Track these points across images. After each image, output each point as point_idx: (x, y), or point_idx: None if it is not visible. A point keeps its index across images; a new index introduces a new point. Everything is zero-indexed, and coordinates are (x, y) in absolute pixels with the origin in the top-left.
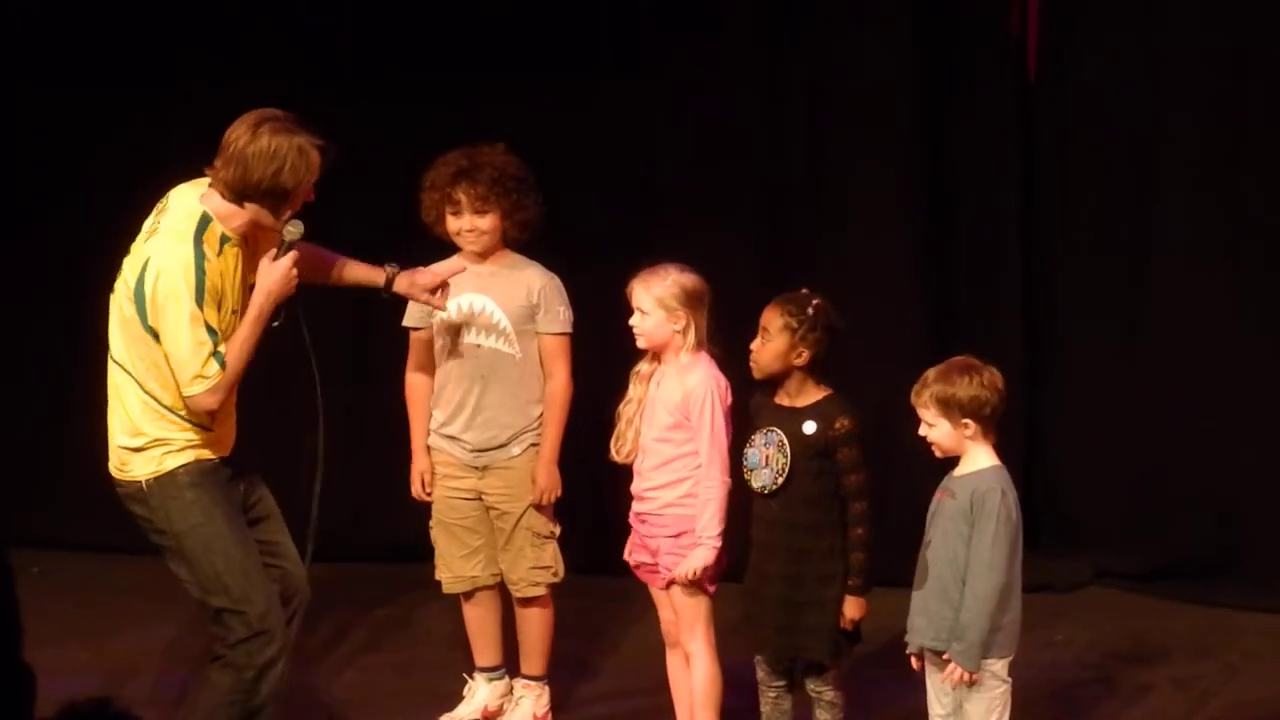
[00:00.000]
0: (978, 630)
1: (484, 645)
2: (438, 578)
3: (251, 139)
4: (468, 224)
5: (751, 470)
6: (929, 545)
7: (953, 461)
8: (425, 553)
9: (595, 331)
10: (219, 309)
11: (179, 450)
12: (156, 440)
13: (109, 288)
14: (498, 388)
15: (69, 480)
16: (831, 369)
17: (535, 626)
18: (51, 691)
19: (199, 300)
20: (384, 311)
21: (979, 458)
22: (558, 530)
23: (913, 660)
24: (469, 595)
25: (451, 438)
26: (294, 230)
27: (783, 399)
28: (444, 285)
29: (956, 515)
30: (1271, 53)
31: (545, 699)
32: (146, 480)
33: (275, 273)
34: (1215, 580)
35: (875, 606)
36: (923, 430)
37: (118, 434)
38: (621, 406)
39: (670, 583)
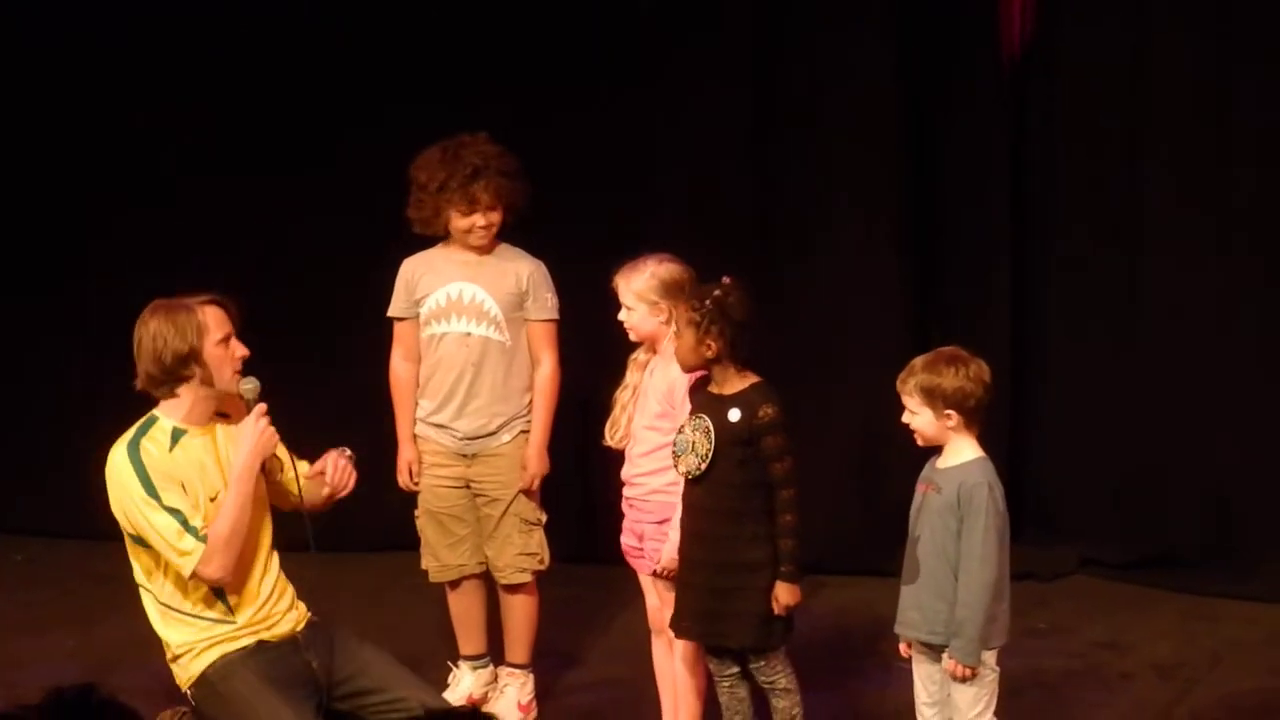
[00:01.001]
0: (975, 625)
1: (469, 633)
2: (424, 566)
3: (138, 334)
4: (482, 221)
5: (679, 456)
6: (918, 541)
7: (933, 450)
8: (409, 542)
9: (588, 324)
10: (185, 493)
11: (202, 652)
12: (183, 646)
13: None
14: (489, 375)
15: (52, 468)
16: (816, 361)
17: (521, 614)
18: (35, 678)
19: (149, 490)
20: (362, 300)
21: (963, 449)
22: (544, 518)
23: (903, 648)
24: (455, 584)
25: (440, 426)
26: (248, 387)
27: (713, 388)
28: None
29: (944, 510)
30: (1261, 40)
31: (530, 687)
32: (188, 689)
33: (245, 433)
34: (1199, 569)
35: (860, 595)
36: (906, 418)
37: (165, 649)
38: (617, 392)
39: (655, 571)
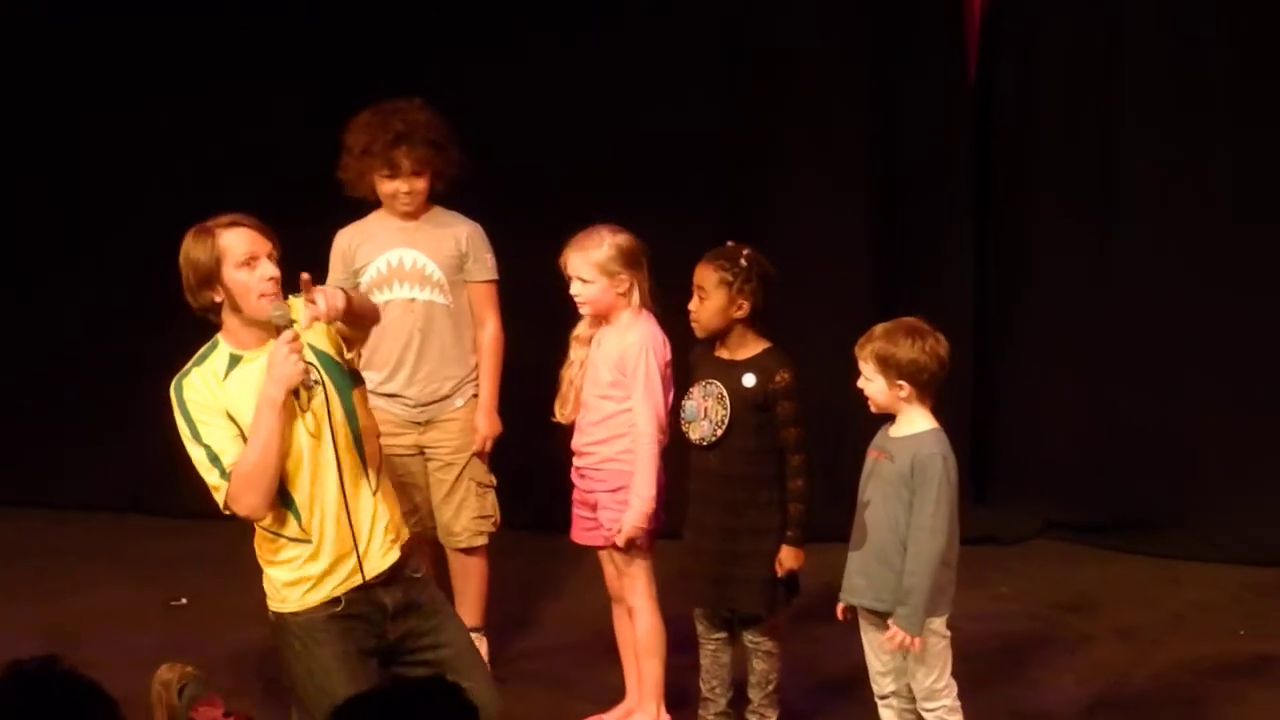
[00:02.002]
0: (922, 595)
1: None
2: None
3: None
4: (405, 186)
5: (689, 423)
6: (867, 506)
7: (887, 417)
8: None
9: (538, 290)
10: (232, 422)
11: (286, 588)
12: (275, 565)
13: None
14: (436, 339)
15: (9, 436)
16: (778, 328)
17: (475, 577)
18: None
19: (189, 424)
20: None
21: (916, 419)
22: (495, 481)
23: (840, 610)
24: None
25: (391, 395)
26: (276, 313)
27: (722, 352)
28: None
29: (896, 480)
30: (1230, 23)
31: (484, 649)
32: (271, 616)
33: (272, 360)
34: (1160, 532)
35: (821, 561)
36: (861, 383)
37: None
38: (563, 370)
39: (611, 543)
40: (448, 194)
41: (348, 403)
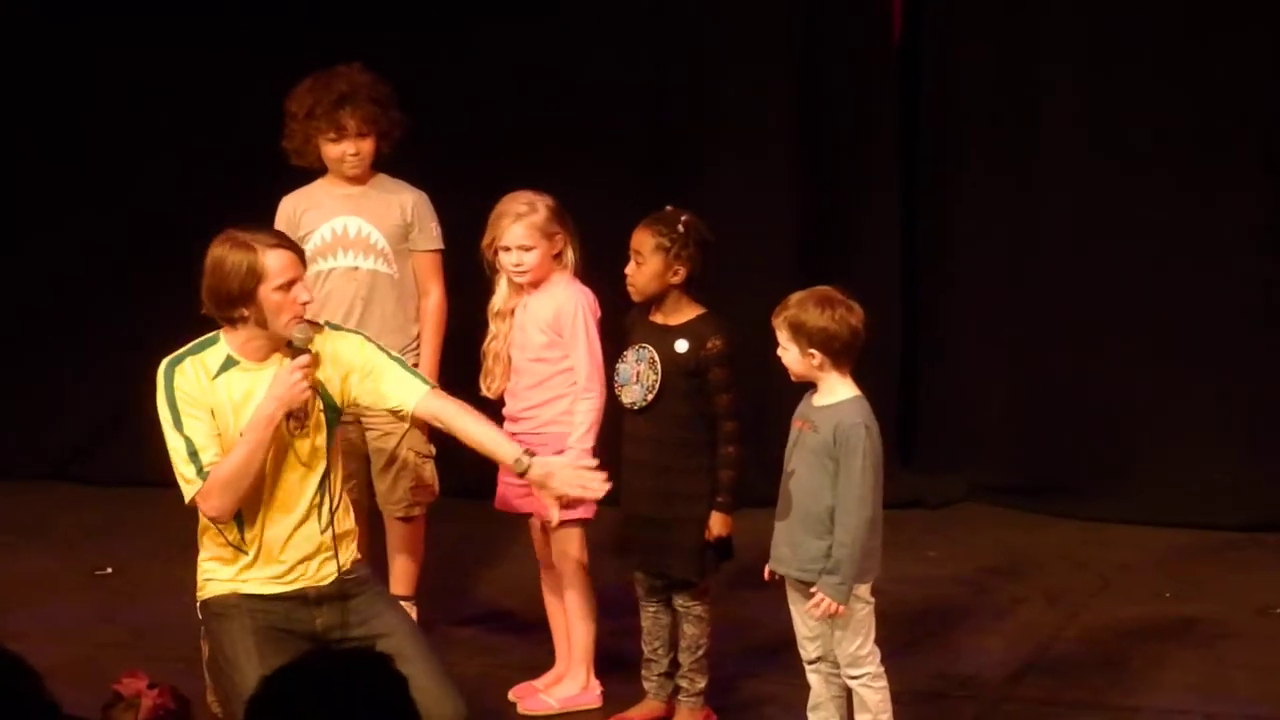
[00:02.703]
0: (851, 564)
1: None
2: None
3: (206, 259)
4: (351, 149)
5: (622, 386)
6: (792, 476)
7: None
8: None
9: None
10: (213, 419)
11: (213, 582)
12: (210, 558)
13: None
14: (377, 308)
15: None
16: (705, 293)
17: (411, 546)
18: None
19: (172, 411)
20: None
21: (837, 388)
22: (433, 450)
23: (767, 573)
24: None
25: None
26: (300, 336)
27: (657, 317)
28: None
29: (820, 450)
30: None
31: (414, 616)
32: (198, 606)
33: (279, 378)
34: (1086, 495)
35: (751, 527)
36: (779, 351)
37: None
38: (486, 344)
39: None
40: (391, 159)
41: (330, 441)
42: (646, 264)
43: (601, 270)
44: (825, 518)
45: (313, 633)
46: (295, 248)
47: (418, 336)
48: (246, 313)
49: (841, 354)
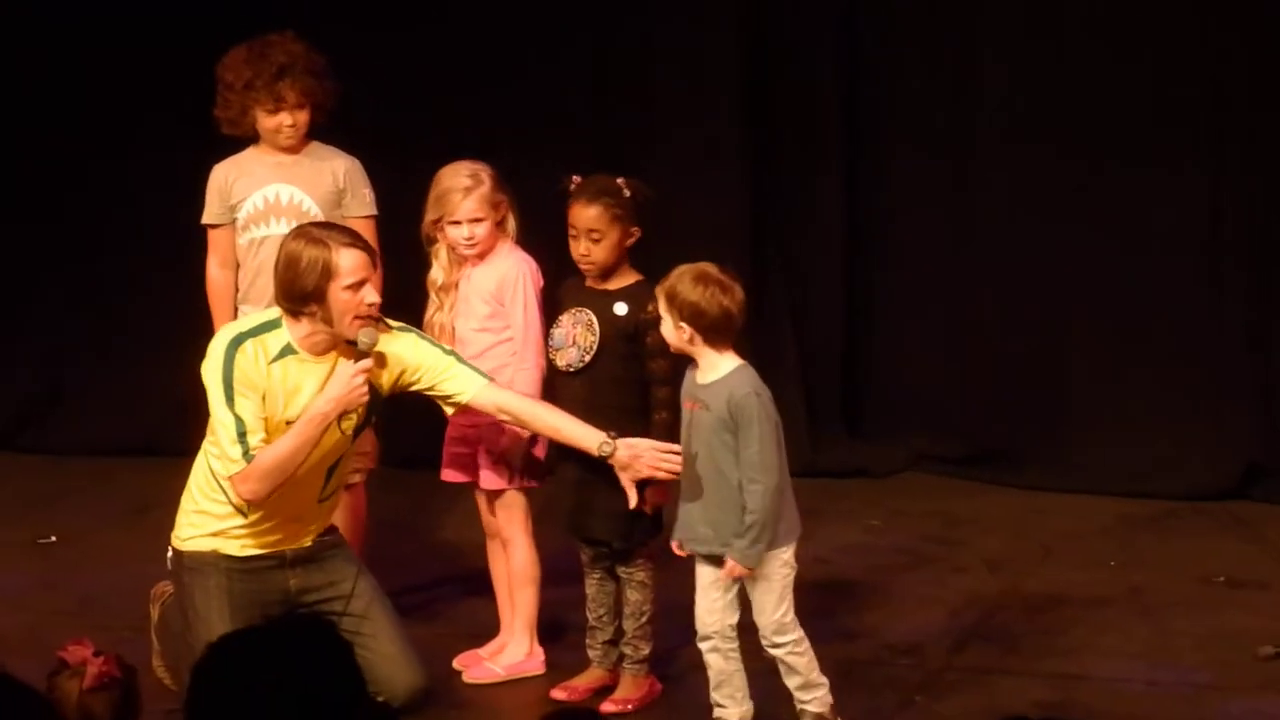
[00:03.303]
0: (766, 530)
1: None
2: None
3: (280, 251)
4: (289, 119)
5: (556, 350)
6: (696, 458)
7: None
8: None
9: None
10: (264, 404)
11: (195, 538)
12: (199, 512)
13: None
14: None
15: None
16: (650, 264)
17: (353, 514)
18: None
19: (226, 388)
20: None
21: (717, 363)
22: (374, 416)
23: (674, 546)
24: None
25: None
26: (365, 340)
27: (595, 282)
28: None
29: (717, 427)
30: None
31: None
32: (169, 556)
33: (339, 379)
34: (1029, 464)
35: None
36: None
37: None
38: (430, 316)
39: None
40: (330, 130)
41: (357, 432)
42: (606, 238)
43: (544, 242)
44: (736, 493)
45: (286, 593)
46: (368, 248)
47: None
48: (315, 309)
49: (712, 331)
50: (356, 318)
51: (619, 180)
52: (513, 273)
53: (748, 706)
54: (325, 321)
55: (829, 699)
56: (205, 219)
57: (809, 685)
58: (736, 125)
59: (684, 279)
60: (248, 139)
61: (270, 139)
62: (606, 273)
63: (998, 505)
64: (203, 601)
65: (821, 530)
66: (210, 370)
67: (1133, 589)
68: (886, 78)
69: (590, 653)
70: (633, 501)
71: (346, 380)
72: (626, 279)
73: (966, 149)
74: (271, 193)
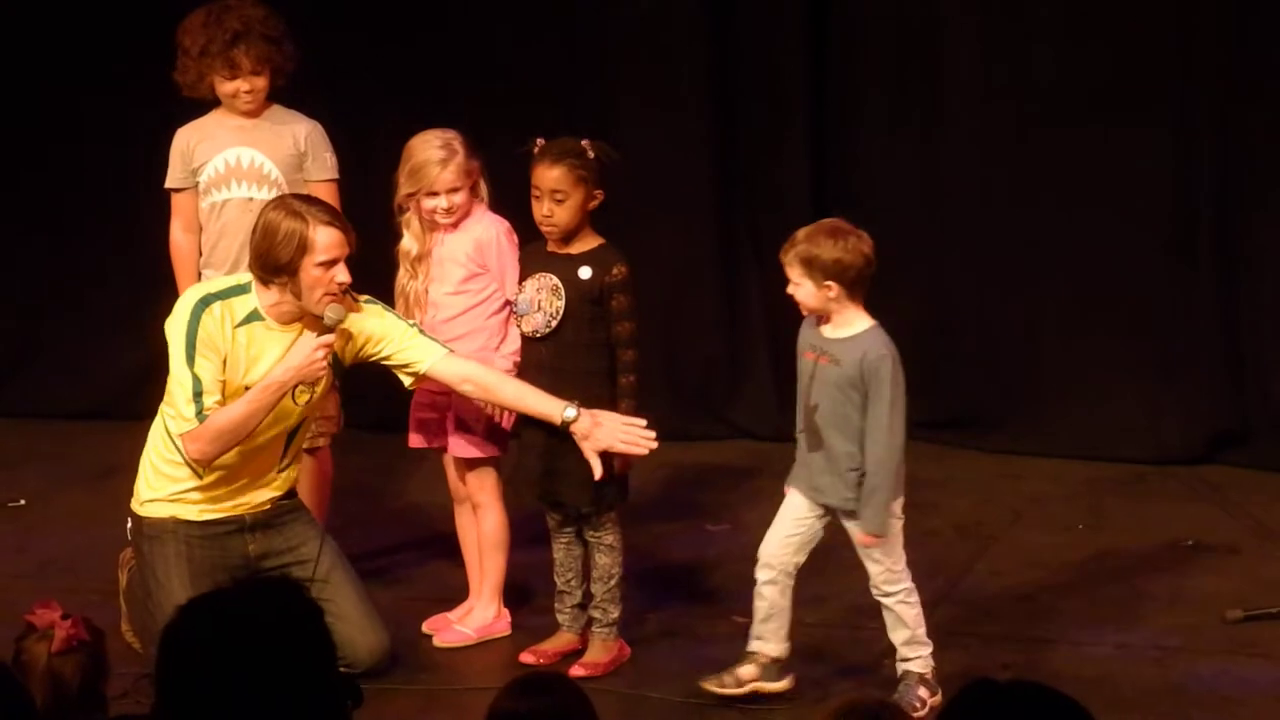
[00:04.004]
0: (886, 492)
1: None
2: None
3: (259, 219)
4: (245, 85)
5: (522, 316)
6: (816, 410)
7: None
8: None
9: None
10: (224, 368)
11: (154, 502)
12: (157, 473)
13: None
14: None
15: None
16: (618, 227)
17: (317, 478)
18: None
19: (189, 347)
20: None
21: (853, 320)
22: (338, 382)
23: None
24: None
25: None
26: (332, 316)
27: (558, 247)
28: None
29: (844, 384)
30: None
31: None
32: (129, 524)
33: (300, 350)
34: (998, 428)
35: (654, 458)
36: (790, 289)
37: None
38: (404, 284)
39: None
40: (293, 94)
41: (315, 397)
42: (570, 199)
43: (509, 207)
44: (853, 449)
45: (246, 558)
46: (346, 228)
47: None
48: (286, 280)
49: (856, 283)
50: (326, 294)
51: (584, 142)
52: (489, 234)
53: (786, 647)
54: (294, 294)
55: (931, 662)
56: (168, 183)
57: (915, 641)
58: (702, 84)
59: (817, 239)
60: (208, 102)
61: (229, 104)
62: (569, 235)
63: (967, 469)
64: (163, 570)
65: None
66: (174, 327)
67: (1102, 552)
68: (852, 38)
69: (559, 617)
70: (597, 472)
71: (308, 353)
72: (589, 242)
73: (934, 111)
74: (233, 156)
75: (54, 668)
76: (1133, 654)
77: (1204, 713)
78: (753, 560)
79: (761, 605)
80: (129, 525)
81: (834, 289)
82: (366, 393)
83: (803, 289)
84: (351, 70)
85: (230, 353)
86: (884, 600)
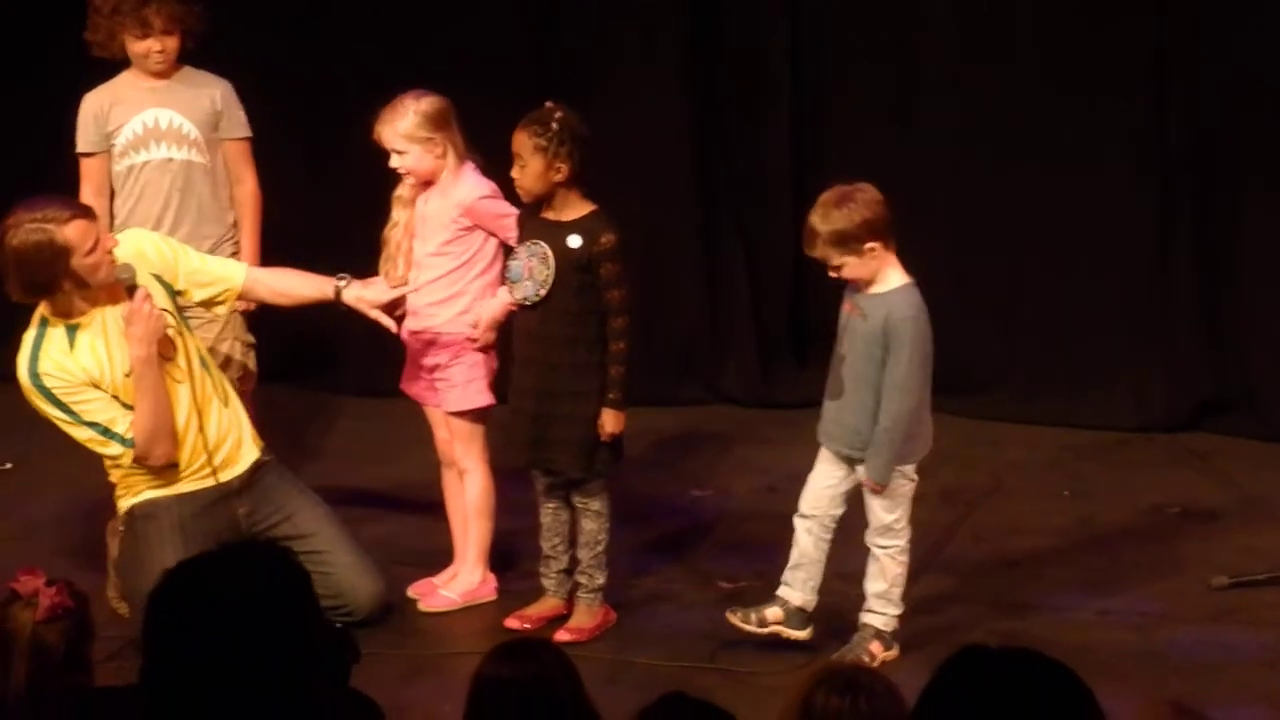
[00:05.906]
0: (891, 448)
1: None
2: None
3: (3, 255)
4: (157, 45)
5: (513, 283)
6: (843, 360)
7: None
8: None
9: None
10: (99, 390)
11: (136, 490)
12: (132, 477)
13: None
14: (194, 199)
15: None
16: (599, 199)
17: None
18: None
19: (65, 410)
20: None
21: (890, 276)
22: (253, 339)
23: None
24: None
25: None
26: (125, 275)
27: (548, 214)
28: (395, 305)
29: (869, 338)
30: None
31: None
32: (121, 525)
33: (134, 320)
34: (979, 394)
35: (642, 424)
36: (833, 274)
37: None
38: (387, 231)
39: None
40: (197, 52)
41: (189, 342)
42: (529, 165)
43: (496, 175)
44: (869, 402)
45: (237, 525)
46: (85, 211)
47: (235, 225)
48: (66, 285)
49: (888, 230)
50: (106, 265)
51: (558, 114)
52: (470, 196)
53: (812, 600)
54: (79, 286)
55: (895, 624)
56: (80, 148)
57: (886, 598)
58: (684, 54)
59: (832, 216)
60: (115, 62)
61: (140, 64)
62: (538, 200)
63: (949, 436)
64: (157, 539)
65: (773, 460)
66: (39, 406)
67: (1084, 519)
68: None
69: (545, 582)
70: (391, 326)
71: (141, 317)
72: (580, 210)
73: (914, 77)
74: (150, 118)
75: (39, 635)
76: (1115, 620)
77: (1184, 679)
78: (737, 526)
79: (794, 553)
80: (121, 523)
81: (875, 246)
82: (348, 356)
83: (848, 266)
84: (335, 38)
85: (90, 373)
86: (874, 548)
